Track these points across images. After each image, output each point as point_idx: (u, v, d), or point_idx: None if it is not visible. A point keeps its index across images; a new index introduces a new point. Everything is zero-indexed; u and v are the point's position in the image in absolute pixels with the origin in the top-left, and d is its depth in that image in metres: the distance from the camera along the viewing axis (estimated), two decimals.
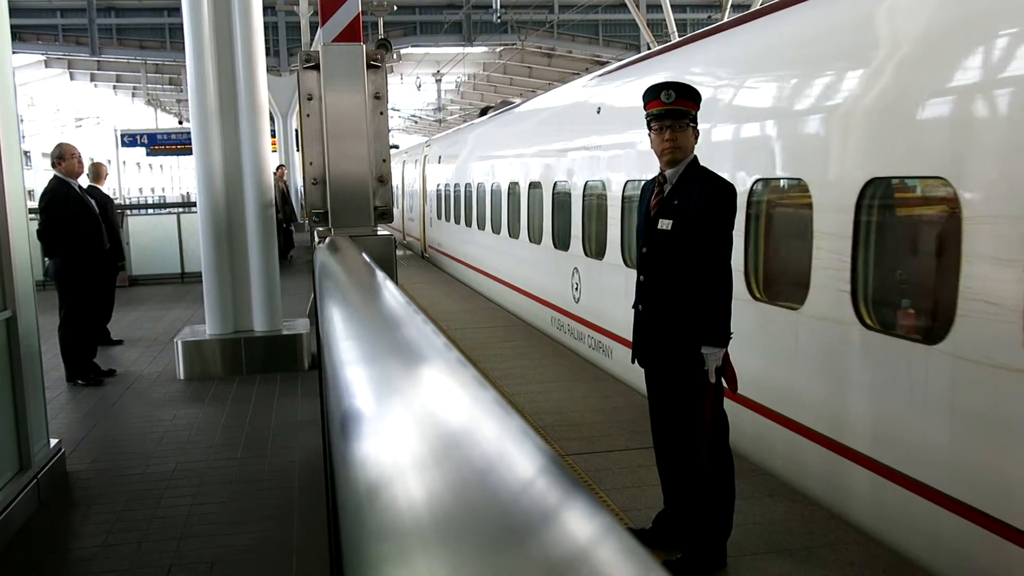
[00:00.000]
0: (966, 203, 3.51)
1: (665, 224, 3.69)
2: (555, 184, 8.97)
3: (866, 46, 4.36)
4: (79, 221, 7.14)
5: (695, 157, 3.79)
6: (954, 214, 3.59)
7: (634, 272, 7.08)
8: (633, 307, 3.93)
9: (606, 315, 7.58)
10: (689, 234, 3.64)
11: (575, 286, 8.37)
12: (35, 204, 7.77)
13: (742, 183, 4.99)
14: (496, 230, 11.76)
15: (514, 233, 10.77)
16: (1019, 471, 3.29)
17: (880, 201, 4.16)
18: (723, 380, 3.74)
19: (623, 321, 6.86)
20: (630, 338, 7.71)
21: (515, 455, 0.57)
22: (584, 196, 8.07)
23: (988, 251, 3.44)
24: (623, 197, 7.08)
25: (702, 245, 3.63)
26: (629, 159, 7.14)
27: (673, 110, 3.70)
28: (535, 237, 9.84)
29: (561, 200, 8.76)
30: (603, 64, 22.46)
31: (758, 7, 6.22)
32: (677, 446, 3.81)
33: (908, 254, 4.21)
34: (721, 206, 3.65)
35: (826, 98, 4.57)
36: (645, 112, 3.81)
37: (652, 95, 3.76)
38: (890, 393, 3.97)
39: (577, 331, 8.39)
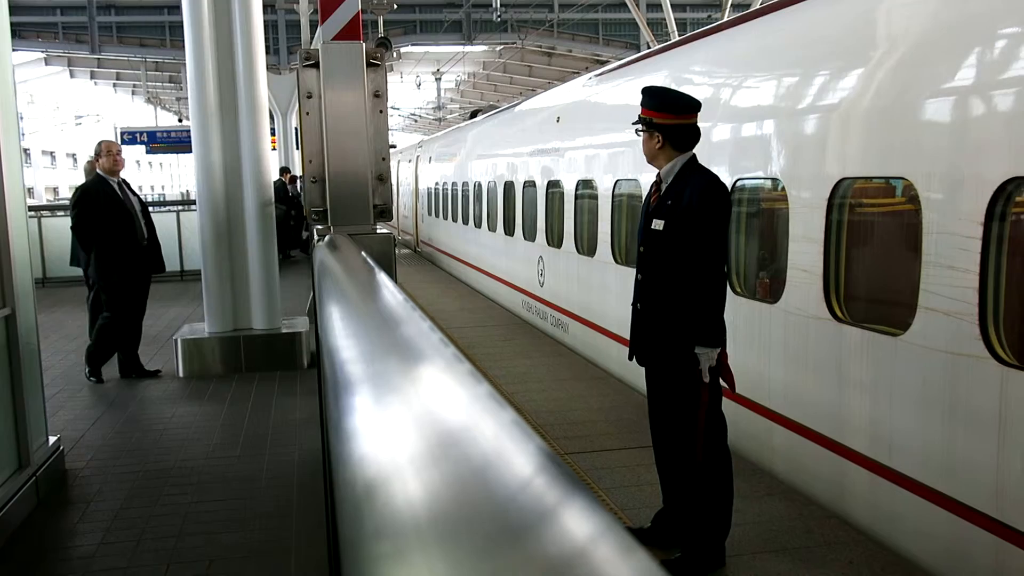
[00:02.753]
0: (791, 198, 4.65)
1: (658, 224, 3.70)
2: (524, 183, 10.16)
3: None
4: (111, 218, 7.16)
5: (693, 156, 3.78)
6: (784, 208, 4.72)
7: (585, 258, 7.94)
8: (632, 305, 3.93)
9: (564, 296, 8.77)
10: (680, 234, 3.63)
11: (540, 272, 9.60)
12: (35, 202, 7.85)
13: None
14: (478, 224, 12.94)
15: (492, 227, 11.98)
16: (820, 389, 4.44)
17: (747, 195, 5.34)
18: (721, 380, 3.74)
19: (577, 300, 8.30)
20: (583, 315, 8.33)
21: (513, 453, 0.57)
22: (547, 193, 9.26)
23: (801, 233, 4.54)
24: (576, 195, 8.23)
25: (694, 245, 3.62)
26: (581, 161, 8.30)
27: (638, 117, 3.84)
28: (509, 230, 11.01)
29: (529, 197, 9.96)
30: (603, 63, 22.46)
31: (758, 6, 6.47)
32: (674, 445, 3.81)
33: (766, 238, 5.35)
34: (712, 206, 3.63)
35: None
36: None
37: None
38: (749, 341, 4.96)
39: (542, 311, 9.58)
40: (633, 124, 3.87)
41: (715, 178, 3.75)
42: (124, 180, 7.59)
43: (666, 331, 3.71)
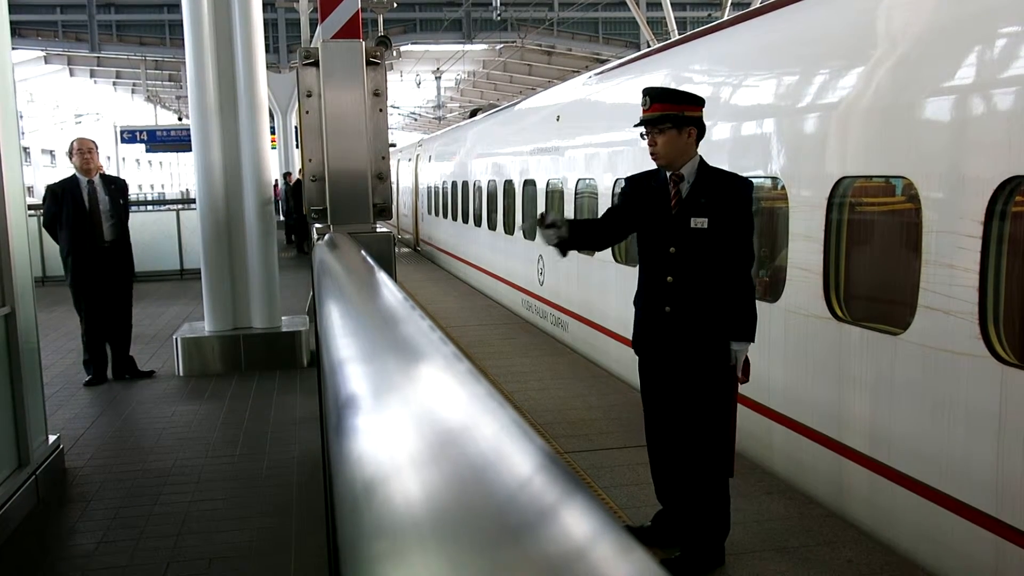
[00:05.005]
0: (791, 197, 4.67)
1: (700, 223, 3.63)
2: (524, 182, 10.21)
3: None
4: (71, 218, 7.17)
5: (700, 155, 3.78)
6: (784, 207, 4.75)
7: (585, 256, 7.93)
8: (643, 306, 3.84)
9: (564, 295, 8.82)
10: (724, 232, 3.63)
11: (540, 271, 9.63)
12: (34, 201, 7.88)
13: None
14: (478, 223, 12.98)
15: (492, 226, 12.05)
16: (815, 385, 4.50)
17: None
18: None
19: (577, 299, 8.34)
20: (583, 314, 8.28)
21: (512, 452, 0.57)
22: (547, 192, 9.31)
23: (801, 231, 4.57)
24: (576, 193, 8.33)
25: (734, 242, 3.64)
26: (581, 160, 8.35)
27: (649, 117, 3.70)
28: (509, 229, 11.09)
29: (529, 196, 10.00)
30: (603, 62, 22.46)
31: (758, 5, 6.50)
32: (697, 444, 3.73)
33: (766, 237, 5.33)
34: (747, 202, 3.69)
35: None
36: None
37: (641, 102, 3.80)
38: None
39: (541, 310, 9.64)
40: (658, 127, 3.65)
41: (738, 174, 3.81)
42: (114, 178, 7.58)
43: (705, 330, 3.66)
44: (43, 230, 7.64)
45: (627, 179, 4.03)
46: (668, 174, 3.76)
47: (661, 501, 3.99)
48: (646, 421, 3.97)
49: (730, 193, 3.66)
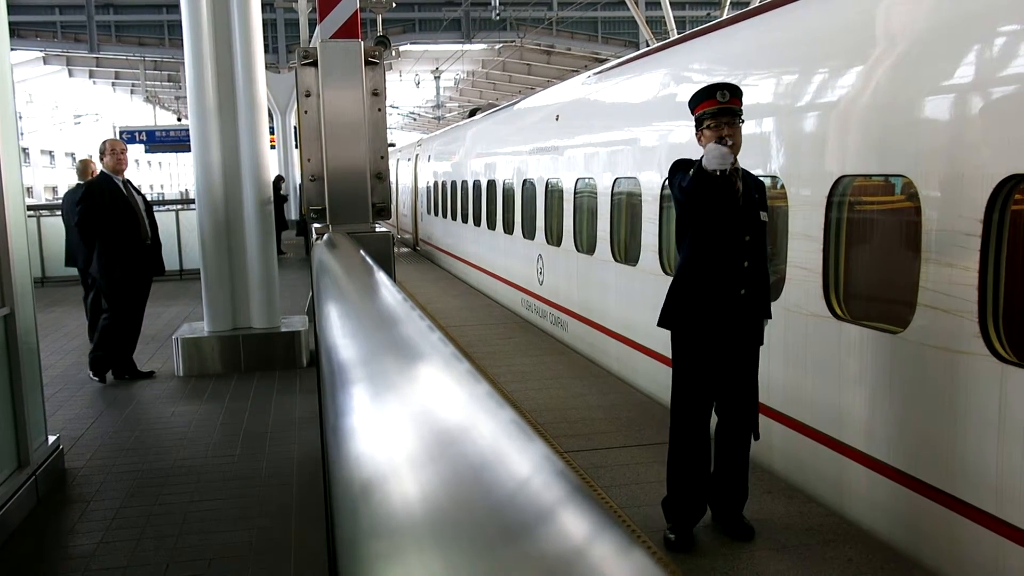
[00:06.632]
0: (791, 196, 4.66)
1: (764, 215, 4.01)
2: (524, 181, 10.21)
3: None
4: (116, 215, 7.17)
5: None
6: (784, 206, 4.77)
7: (584, 256, 7.89)
8: (713, 291, 3.91)
9: (563, 294, 8.79)
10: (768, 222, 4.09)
11: (539, 270, 9.63)
12: (34, 201, 7.89)
13: None
14: (477, 223, 12.99)
15: (491, 225, 12.06)
16: (814, 384, 4.49)
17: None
18: None
19: (576, 299, 8.35)
20: (583, 313, 8.28)
21: (510, 452, 0.57)
22: (546, 191, 9.31)
23: (800, 230, 4.57)
24: (575, 193, 8.28)
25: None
26: (580, 159, 8.37)
27: (728, 108, 3.87)
28: (508, 228, 11.07)
29: (528, 195, 9.99)
30: (602, 61, 22.45)
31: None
32: (748, 412, 4.04)
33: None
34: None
35: None
36: (698, 113, 3.93)
37: (706, 95, 3.91)
38: None
39: (541, 310, 9.61)
40: (735, 117, 3.88)
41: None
42: (128, 179, 7.61)
43: (764, 309, 4.05)
44: (41, 228, 7.61)
45: (681, 162, 4.02)
46: (729, 167, 3.86)
47: (712, 506, 4.13)
48: (693, 407, 4.00)
49: (763, 190, 4.09)
